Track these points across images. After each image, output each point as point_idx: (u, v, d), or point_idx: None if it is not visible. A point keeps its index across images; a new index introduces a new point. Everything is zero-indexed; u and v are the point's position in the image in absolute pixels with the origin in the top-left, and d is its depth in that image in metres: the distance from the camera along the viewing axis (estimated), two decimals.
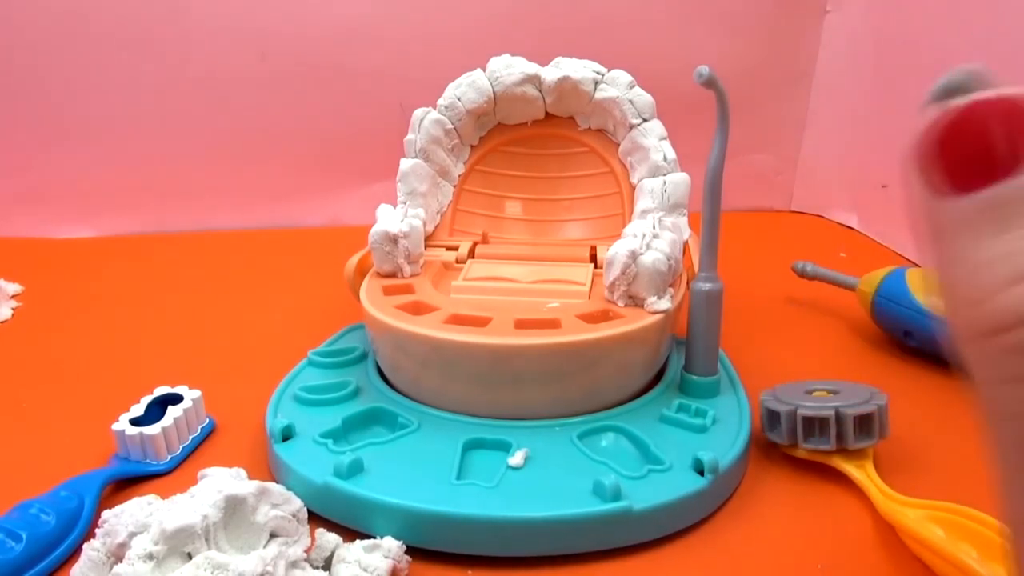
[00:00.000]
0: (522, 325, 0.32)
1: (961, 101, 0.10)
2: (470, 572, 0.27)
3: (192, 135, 0.70)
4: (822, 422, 0.30)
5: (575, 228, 0.44)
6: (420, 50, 0.67)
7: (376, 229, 0.38)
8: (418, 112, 0.41)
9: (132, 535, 0.24)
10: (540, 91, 0.42)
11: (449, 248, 0.42)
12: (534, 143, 0.44)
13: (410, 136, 0.42)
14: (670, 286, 0.35)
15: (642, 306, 0.34)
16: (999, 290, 0.09)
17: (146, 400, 0.34)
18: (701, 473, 0.29)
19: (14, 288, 0.54)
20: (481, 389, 0.32)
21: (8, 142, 0.68)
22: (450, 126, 0.42)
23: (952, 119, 0.10)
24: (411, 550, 0.26)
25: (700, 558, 0.27)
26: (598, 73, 0.41)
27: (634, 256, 0.33)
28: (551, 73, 0.41)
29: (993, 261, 0.09)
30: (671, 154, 0.40)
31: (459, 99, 0.41)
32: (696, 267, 0.35)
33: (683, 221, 0.39)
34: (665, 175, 0.39)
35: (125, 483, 0.32)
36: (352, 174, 0.72)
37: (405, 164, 0.41)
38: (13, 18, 0.64)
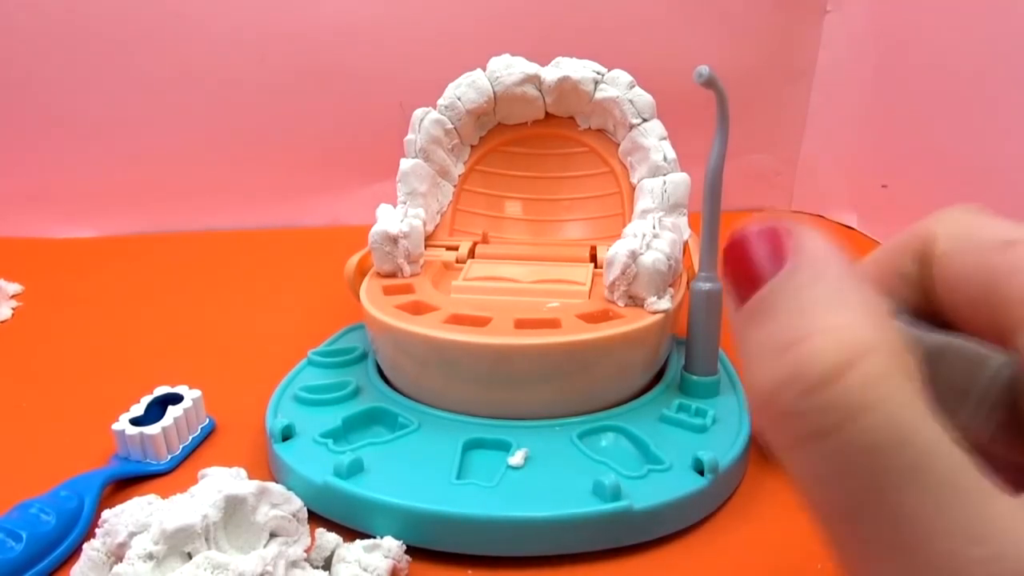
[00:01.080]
0: (522, 325, 0.32)
1: (734, 234, 0.13)
2: (470, 572, 0.27)
3: (192, 135, 0.70)
4: None
5: (575, 228, 0.44)
6: (420, 50, 0.67)
7: (376, 229, 0.38)
8: (418, 112, 0.41)
9: (132, 535, 0.24)
10: (540, 91, 0.42)
11: (449, 248, 0.42)
12: (534, 143, 0.44)
13: (410, 136, 0.42)
14: (670, 286, 0.35)
15: (642, 306, 0.34)
16: (765, 367, 0.11)
17: (146, 400, 0.34)
18: (701, 473, 0.29)
19: (14, 288, 0.54)
20: (481, 389, 0.32)
21: (8, 142, 0.68)
22: (450, 126, 0.42)
23: (726, 248, 0.13)
24: (411, 550, 0.26)
25: (700, 558, 0.27)
26: (598, 73, 0.41)
27: (634, 256, 0.33)
28: (551, 73, 0.41)
29: (759, 347, 0.12)
30: (671, 154, 0.40)
31: (459, 99, 0.41)
32: (696, 267, 0.35)
33: (683, 221, 0.39)
34: (665, 175, 0.39)
35: (125, 483, 0.32)
36: (352, 174, 0.72)
37: (405, 164, 0.41)
38: (13, 18, 0.64)
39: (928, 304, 0.15)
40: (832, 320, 0.11)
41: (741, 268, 0.12)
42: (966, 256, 0.14)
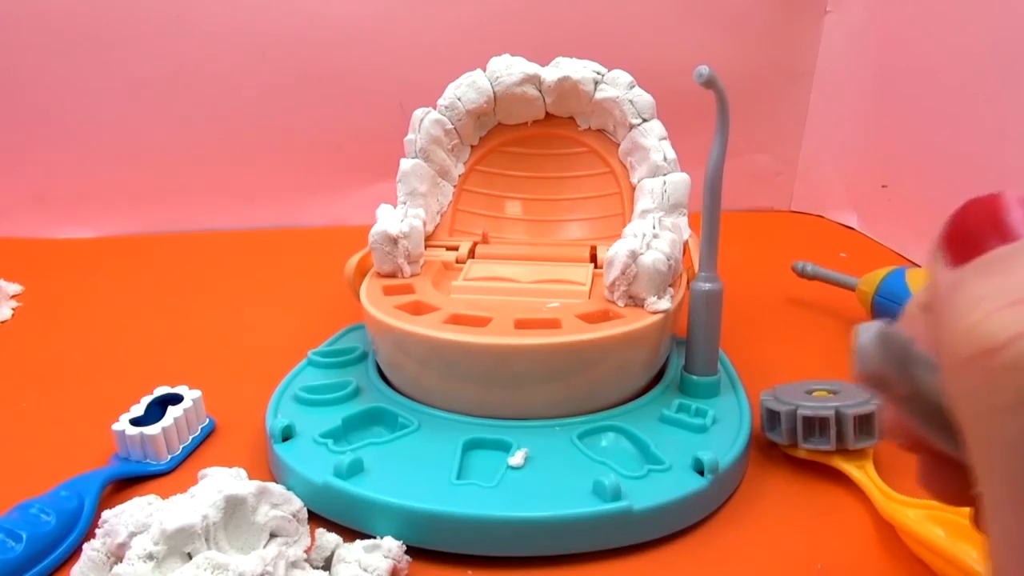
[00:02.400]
0: (522, 325, 0.32)
1: (966, 204, 0.13)
2: (470, 572, 0.27)
3: (192, 135, 0.70)
4: (822, 422, 0.30)
5: (575, 228, 0.44)
6: (420, 50, 0.67)
7: (376, 229, 0.38)
8: (418, 112, 0.41)
9: (132, 535, 0.24)
10: (540, 91, 0.42)
11: (449, 248, 0.42)
12: (534, 143, 0.44)
13: (410, 136, 0.42)
14: (670, 286, 0.35)
15: (642, 306, 0.34)
16: (988, 316, 0.11)
17: (146, 400, 0.34)
18: (701, 473, 0.29)
19: (14, 288, 0.54)
20: (481, 389, 0.32)
21: (8, 142, 0.68)
22: (450, 126, 0.42)
23: (956, 216, 0.13)
24: (411, 550, 0.26)
25: (700, 558, 0.27)
26: (598, 73, 0.41)
27: (634, 256, 0.33)
28: (551, 73, 0.41)
29: (984, 297, 0.11)
30: (671, 154, 0.40)
31: (459, 99, 0.41)
32: (696, 267, 0.35)
33: (683, 221, 0.39)
34: (665, 175, 0.39)
35: (125, 483, 0.32)
36: (352, 174, 0.72)
37: (405, 164, 0.41)
38: (13, 18, 0.64)
39: None
40: None
41: (970, 230, 0.13)
42: None
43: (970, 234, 0.13)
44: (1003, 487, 0.11)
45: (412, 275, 0.39)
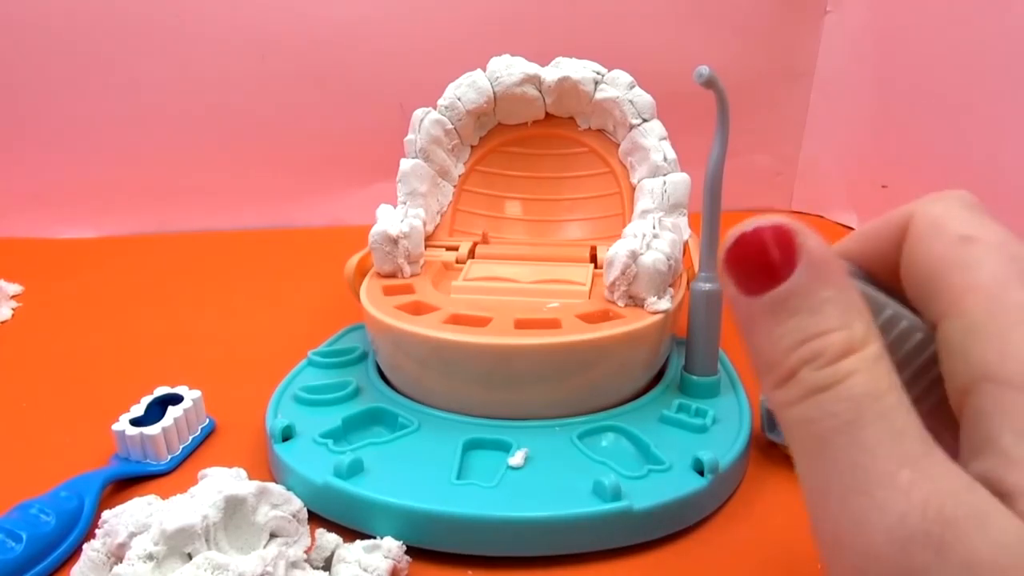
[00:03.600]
0: (522, 325, 0.32)
1: (744, 227, 0.15)
2: (470, 572, 0.27)
3: (192, 135, 0.70)
4: None
5: (575, 228, 0.44)
6: (420, 50, 0.67)
7: (376, 229, 0.38)
8: (418, 112, 0.41)
9: (132, 535, 0.24)
10: (540, 91, 0.42)
11: (449, 248, 0.42)
12: (534, 143, 0.44)
13: (410, 136, 0.42)
14: (670, 286, 0.35)
15: (642, 306, 0.34)
16: (785, 351, 0.14)
17: (146, 400, 0.34)
18: (701, 473, 0.29)
19: (14, 288, 0.54)
20: (481, 389, 0.32)
21: (8, 142, 0.68)
22: (450, 126, 0.42)
23: (737, 241, 0.15)
24: (411, 550, 0.26)
25: (700, 558, 0.27)
26: (598, 73, 0.41)
27: (634, 256, 0.33)
28: (551, 73, 0.41)
29: (779, 337, 0.15)
30: (671, 154, 0.40)
31: (459, 99, 0.41)
32: (696, 267, 0.35)
33: (683, 221, 0.39)
34: (665, 175, 0.39)
35: (125, 483, 0.32)
36: (352, 174, 0.72)
37: (405, 164, 0.41)
38: (14, 19, 0.64)
39: (893, 280, 0.17)
40: (839, 320, 0.14)
41: (752, 262, 0.15)
42: (929, 244, 0.16)
43: (746, 269, 0.15)
44: (800, 452, 0.15)
45: (412, 275, 0.39)
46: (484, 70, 0.42)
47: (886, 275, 0.17)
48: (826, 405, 0.14)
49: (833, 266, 0.14)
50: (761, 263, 0.14)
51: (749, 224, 0.15)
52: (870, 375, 0.14)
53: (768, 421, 0.33)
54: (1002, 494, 0.13)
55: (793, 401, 0.15)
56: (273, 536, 0.25)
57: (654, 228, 0.35)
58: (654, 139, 0.40)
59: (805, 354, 0.14)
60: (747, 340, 0.15)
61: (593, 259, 0.40)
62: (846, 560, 0.14)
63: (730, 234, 0.15)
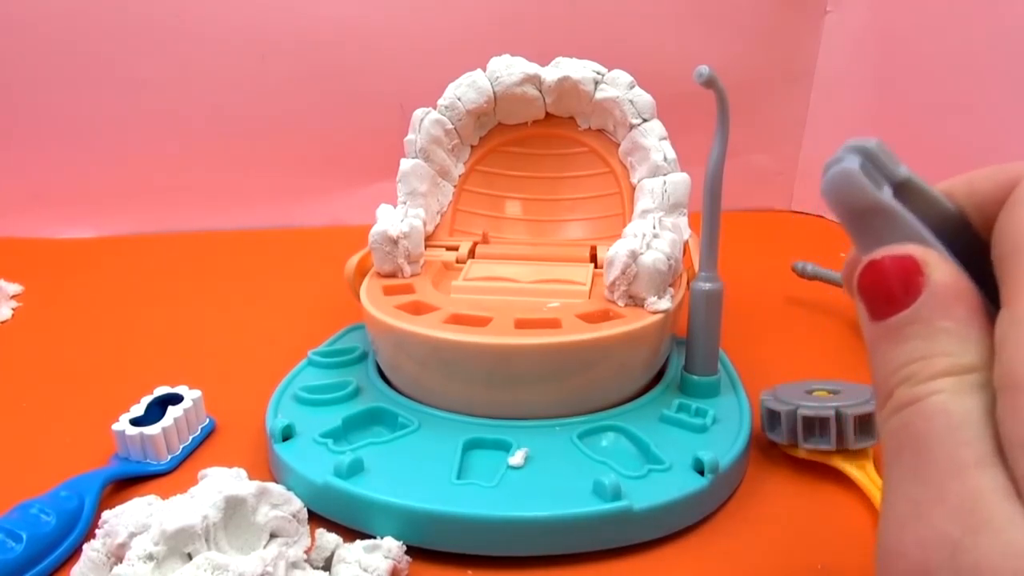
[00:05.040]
0: (522, 325, 0.32)
1: (875, 255, 0.16)
2: (470, 572, 0.27)
3: (192, 135, 0.70)
4: (822, 422, 0.30)
5: (575, 228, 0.44)
6: (420, 50, 0.67)
7: (376, 229, 0.38)
8: (418, 112, 0.41)
9: (132, 535, 0.24)
10: (540, 91, 0.42)
11: (449, 248, 0.42)
12: (534, 143, 0.44)
13: (410, 136, 0.42)
14: (670, 286, 0.35)
15: (642, 306, 0.34)
16: (896, 369, 0.15)
17: (146, 400, 0.34)
18: (701, 473, 0.29)
19: (14, 288, 0.54)
20: (481, 389, 0.32)
21: (8, 142, 0.68)
22: (450, 126, 0.42)
23: (867, 267, 0.16)
24: (411, 550, 0.26)
25: (700, 558, 0.27)
26: (598, 73, 0.41)
27: (634, 256, 0.33)
28: (551, 73, 0.41)
29: (894, 358, 0.15)
30: (671, 154, 0.40)
31: (459, 99, 0.41)
32: (696, 267, 0.35)
33: (683, 221, 0.39)
34: (665, 175, 0.39)
35: (125, 483, 0.32)
36: (352, 174, 0.72)
37: (405, 164, 0.41)
38: (13, 19, 0.64)
39: (989, 234, 0.16)
40: (949, 348, 0.15)
41: (879, 289, 0.16)
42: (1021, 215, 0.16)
43: (875, 296, 0.16)
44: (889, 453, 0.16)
45: (412, 275, 0.39)
46: (484, 70, 0.42)
47: (984, 228, 0.17)
48: (905, 417, 0.15)
49: (958, 300, 0.15)
50: (887, 291, 0.15)
51: (879, 253, 0.16)
52: (954, 397, 0.14)
53: (768, 421, 0.33)
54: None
55: (885, 417, 0.15)
56: (273, 536, 0.25)
57: (654, 228, 0.35)
58: (654, 139, 0.40)
59: (905, 374, 0.15)
60: (870, 360, 0.16)
61: (593, 259, 0.40)
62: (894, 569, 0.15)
63: (864, 260, 0.16)
